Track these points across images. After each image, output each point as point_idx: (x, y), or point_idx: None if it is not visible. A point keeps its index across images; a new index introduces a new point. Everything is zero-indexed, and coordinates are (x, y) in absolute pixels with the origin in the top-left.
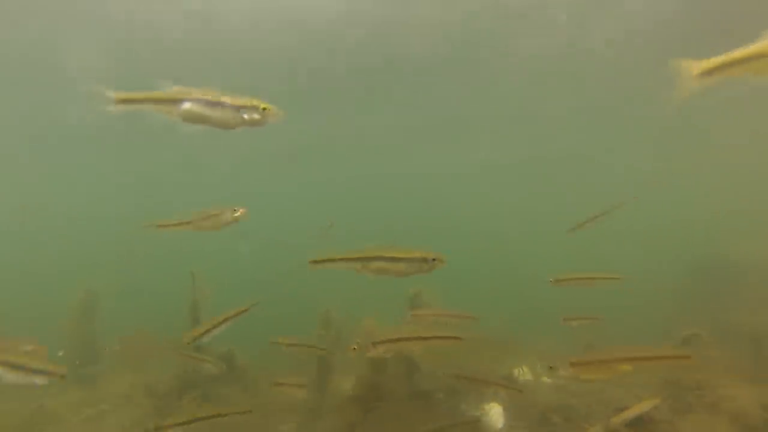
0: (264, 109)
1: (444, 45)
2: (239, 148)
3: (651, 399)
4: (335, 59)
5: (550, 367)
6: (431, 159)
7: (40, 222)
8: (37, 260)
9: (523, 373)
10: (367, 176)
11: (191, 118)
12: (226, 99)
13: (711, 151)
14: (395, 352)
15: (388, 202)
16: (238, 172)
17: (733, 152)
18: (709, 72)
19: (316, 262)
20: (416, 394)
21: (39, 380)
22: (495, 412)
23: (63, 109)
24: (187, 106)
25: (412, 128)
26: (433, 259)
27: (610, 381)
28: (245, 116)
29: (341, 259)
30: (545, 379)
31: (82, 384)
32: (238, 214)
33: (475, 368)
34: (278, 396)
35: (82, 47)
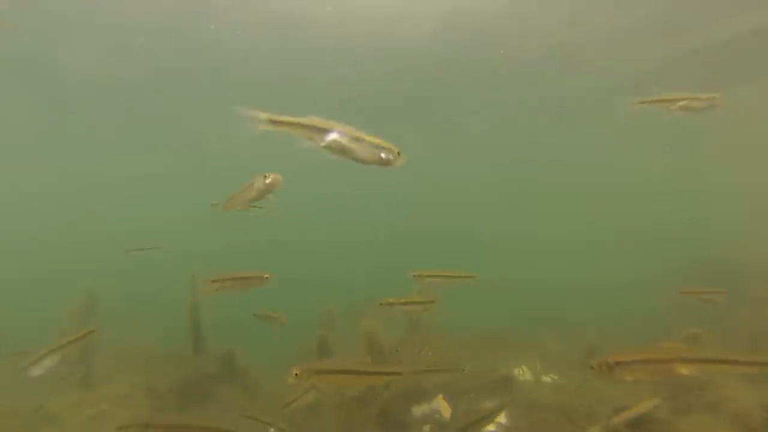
0: (398, 153)
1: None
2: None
3: (651, 399)
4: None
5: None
6: (432, 162)
7: (42, 223)
8: (38, 261)
9: (523, 373)
10: (368, 181)
11: (334, 148)
12: (368, 137)
13: (711, 152)
14: (337, 385)
15: (389, 204)
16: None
17: (733, 152)
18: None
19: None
20: (415, 393)
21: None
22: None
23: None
24: (333, 137)
25: (410, 133)
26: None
27: (611, 381)
28: (382, 155)
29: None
30: (545, 379)
31: (82, 384)
32: (270, 180)
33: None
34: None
35: None
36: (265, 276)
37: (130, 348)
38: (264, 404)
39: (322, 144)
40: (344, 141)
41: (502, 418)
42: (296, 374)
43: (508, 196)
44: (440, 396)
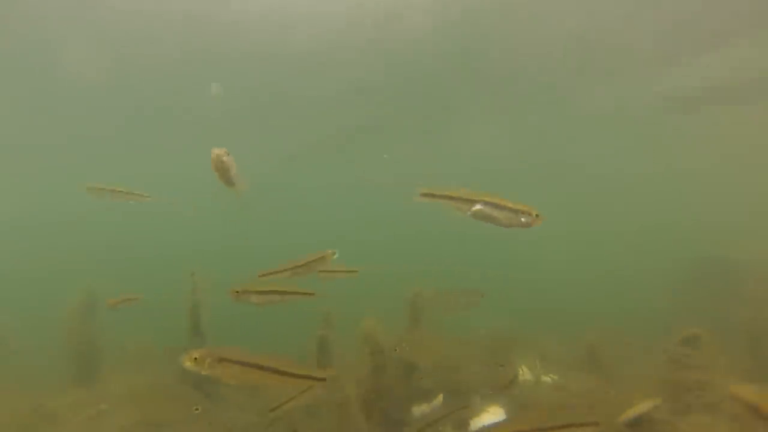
0: (537, 215)
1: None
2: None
3: (651, 399)
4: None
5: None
6: (431, 163)
7: (42, 223)
8: (38, 261)
9: (523, 373)
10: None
11: (480, 216)
12: (509, 203)
13: (711, 151)
14: (244, 380)
15: (389, 205)
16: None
17: (733, 152)
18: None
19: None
20: (416, 393)
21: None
22: (495, 413)
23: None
24: (478, 207)
25: (407, 131)
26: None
27: (611, 381)
28: (522, 220)
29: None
30: (545, 379)
31: (82, 384)
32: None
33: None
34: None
35: None
36: (331, 252)
37: (130, 347)
38: (264, 404)
39: (469, 213)
40: (488, 210)
41: (501, 418)
42: (195, 358)
43: (507, 196)
44: (440, 396)
